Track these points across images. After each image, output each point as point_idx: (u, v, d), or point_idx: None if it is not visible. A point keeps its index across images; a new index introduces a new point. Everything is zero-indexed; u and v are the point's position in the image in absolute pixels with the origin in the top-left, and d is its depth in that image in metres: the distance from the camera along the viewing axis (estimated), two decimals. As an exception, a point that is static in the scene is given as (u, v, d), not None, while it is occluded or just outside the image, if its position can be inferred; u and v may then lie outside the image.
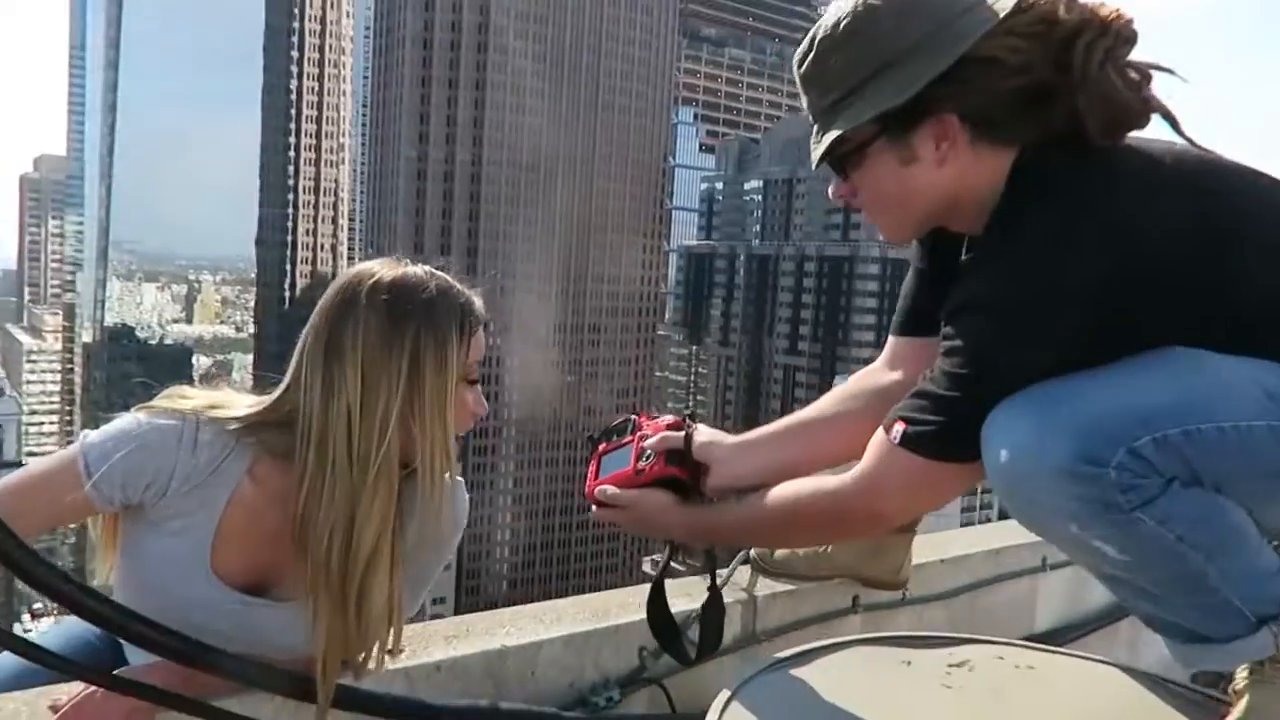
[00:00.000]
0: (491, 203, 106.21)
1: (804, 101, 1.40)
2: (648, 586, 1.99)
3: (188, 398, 1.39)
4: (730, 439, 1.66)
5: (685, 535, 1.61)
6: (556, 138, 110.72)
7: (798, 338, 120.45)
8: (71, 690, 1.29)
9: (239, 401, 1.41)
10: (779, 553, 2.02)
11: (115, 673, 1.31)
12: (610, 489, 1.60)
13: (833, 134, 1.33)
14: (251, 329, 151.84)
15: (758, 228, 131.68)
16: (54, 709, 1.27)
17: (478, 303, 1.46)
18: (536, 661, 1.65)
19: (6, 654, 1.42)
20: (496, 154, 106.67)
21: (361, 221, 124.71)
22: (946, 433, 1.24)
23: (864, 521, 1.44)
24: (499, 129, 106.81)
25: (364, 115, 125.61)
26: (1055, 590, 2.45)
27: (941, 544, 2.32)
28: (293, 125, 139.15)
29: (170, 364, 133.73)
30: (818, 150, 1.36)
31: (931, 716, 1.33)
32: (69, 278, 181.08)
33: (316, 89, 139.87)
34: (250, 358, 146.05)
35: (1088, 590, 2.55)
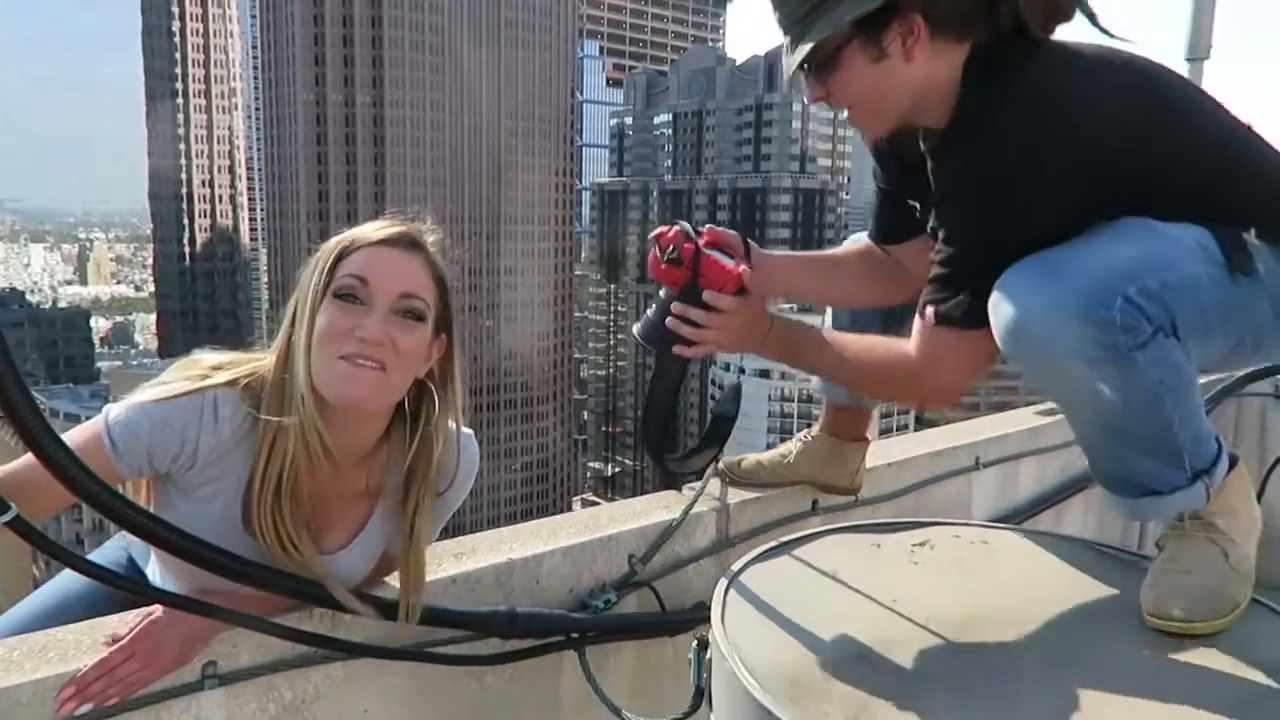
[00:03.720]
0: (397, 145, 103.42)
1: (776, 15, 1.53)
2: (634, 501, 2.14)
3: (205, 363, 1.42)
4: (765, 252, 1.78)
5: (776, 350, 1.65)
6: (459, 76, 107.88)
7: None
8: (119, 622, 1.38)
9: (256, 359, 1.44)
10: (745, 464, 2.21)
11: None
12: (712, 294, 1.57)
13: (809, 42, 1.46)
14: (151, 288, 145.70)
15: (669, 162, 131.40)
16: (114, 639, 1.35)
17: (374, 229, 1.42)
18: (540, 572, 1.82)
19: (31, 599, 1.59)
20: (398, 95, 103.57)
21: (260, 170, 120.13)
22: (972, 303, 1.43)
23: (933, 393, 1.59)
24: (399, 68, 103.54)
25: (254, 58, 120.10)
26: (987, 486, 2.69)
27: (888, 449, 2.53)
28: (178, 70, 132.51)
29: (66, 327, 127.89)
30: (795, 57, 1.49)
31: (905, 588, 1.49)
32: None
33: (201, 30, 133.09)
34: (153, 318, 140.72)
35: (1013, 485, 2.82)
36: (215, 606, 1.36)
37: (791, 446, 2.23)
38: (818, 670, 1.24)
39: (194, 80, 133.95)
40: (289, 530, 1.38)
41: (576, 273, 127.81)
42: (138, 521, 1.26)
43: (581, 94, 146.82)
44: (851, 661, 1.27)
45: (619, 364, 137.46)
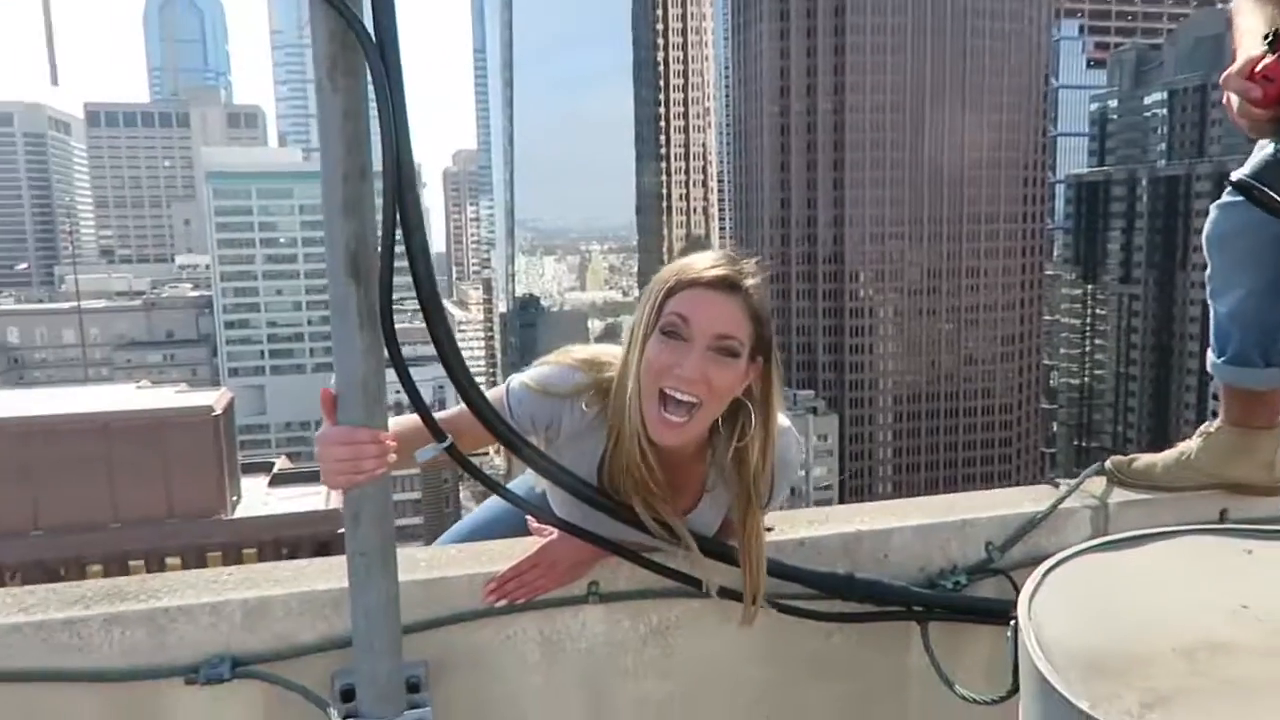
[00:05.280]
0: (856, 150, 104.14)
1: None
2: (1000, 491, 2.10)
3: (574, 355, 1.75)
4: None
5: None
6: (922, 74, 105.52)
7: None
8: (530, 541, 1.83)
9: (614, 355, 1.74)
10: (1137, 464, 2.01)
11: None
12: None
13: None
14: (635, 293, 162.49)
15: (1162, 146, 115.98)
16: (537, 532, 1.82)
17: (700, 269, 1.61)
18: (888, 546, 1.91)
19: (472, 516, 2.13)
20: (859, 99, 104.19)
21: (729, 181, 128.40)
22: None
23: None
24: (860, 73, 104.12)
25: (726, 77, 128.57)
26: None
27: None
28: (661, 96, 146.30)
29: (569, 327, 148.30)
30: None
31: (1264, 597, 1.29)
32: (485, 256, 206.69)
33: (681, 58, 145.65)
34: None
35: None
36: (597, 536, 1.72)
37: (1191, 444, 1.98)
38: (1127, 659, 1.17)
39: (674, 104, 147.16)
40: (647, 490, 1.68)
41: (1047, 273, 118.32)
42: (544, 465, 1.69)
43: (1057, 80, 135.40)
44: (1169, 656, 1.17)
45: (1095, 372, 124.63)
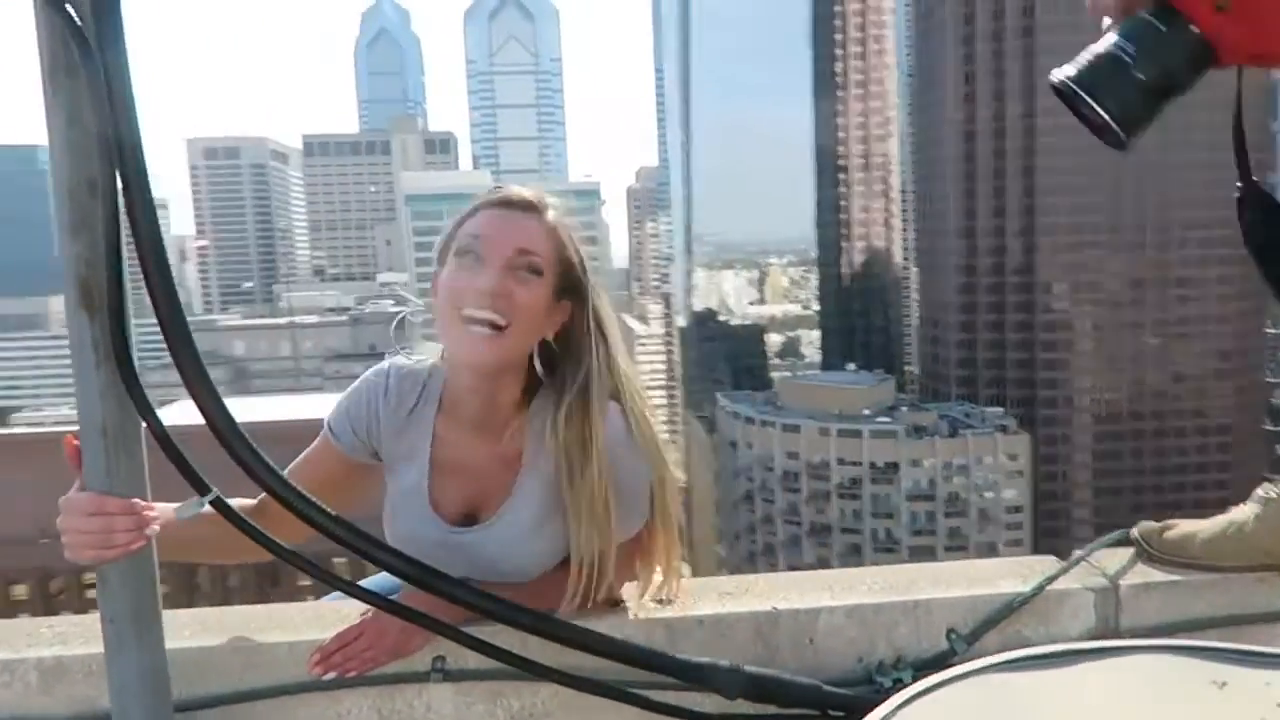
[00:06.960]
0: (1048, 155, 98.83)
1: None
2: (977, 562, 1.76)
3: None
4: None
5: None
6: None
7: None
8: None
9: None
10: (1172, 534, 1.63)
11: (393, 598, 1.51)
12: None
13: None
14: (815, 306, 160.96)
15: None
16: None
17: (507, 191, 1.50)
18: (814, 630, 1.54)
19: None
20: (1052, 101, 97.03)
21: (912, 191, 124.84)
22: None
23: None
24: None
25: (909, 84, 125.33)
26: None
27: None
28: (840, 106, 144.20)
29: (747, 342, 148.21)
30: None
31: None
32: (665, 270, 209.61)
33: (861, 66, 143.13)
34: (816, 334, 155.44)
35: None
36: (421, 614, 1.44)
37: (1246, 511, 1.58)
38: None
39: (854, 114, 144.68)
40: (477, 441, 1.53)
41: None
42: (357, 544, 1.40)
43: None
44: None
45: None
